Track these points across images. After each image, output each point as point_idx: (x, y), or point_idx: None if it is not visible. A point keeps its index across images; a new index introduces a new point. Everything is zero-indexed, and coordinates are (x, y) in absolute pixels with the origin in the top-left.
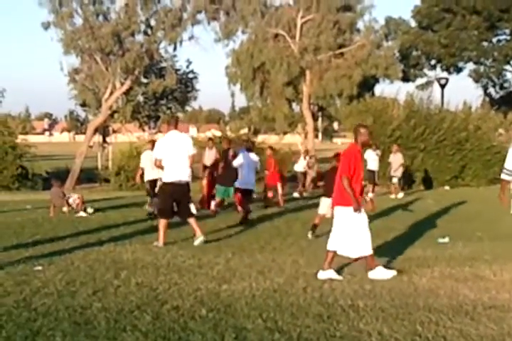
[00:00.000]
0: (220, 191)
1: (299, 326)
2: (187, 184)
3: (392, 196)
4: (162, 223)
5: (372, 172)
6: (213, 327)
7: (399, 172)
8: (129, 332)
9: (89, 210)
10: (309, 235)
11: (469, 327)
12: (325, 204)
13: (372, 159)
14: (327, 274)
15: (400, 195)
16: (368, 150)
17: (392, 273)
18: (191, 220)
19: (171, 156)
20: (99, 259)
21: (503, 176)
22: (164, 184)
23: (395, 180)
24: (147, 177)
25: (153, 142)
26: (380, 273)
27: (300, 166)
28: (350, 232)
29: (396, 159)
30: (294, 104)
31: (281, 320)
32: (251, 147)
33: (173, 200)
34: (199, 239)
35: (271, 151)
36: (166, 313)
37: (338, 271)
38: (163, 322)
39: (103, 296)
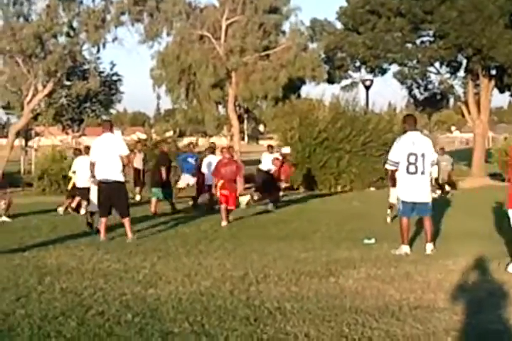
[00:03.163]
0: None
1: (225, 329)
2: (118, 183)
3: None
4: (101, 221)
5: None
6: (139, 331)
7: None
8: (54, 338)
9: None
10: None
11: (395, 327)
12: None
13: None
14: None
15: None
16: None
17: None
18: (125, 220)
19: (102, 157)
20: (22, 265)
21: (386, 166)
22: (98, 183)
23: None
24: (79, 184)
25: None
26: None
27: None
28: None
29: None
30: (220, 107)
31: (208, 323)
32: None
33: (107, 199)
34: (129, 240)
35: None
36: (90, 319)
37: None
38: (88, 327)
39: (26, 302)
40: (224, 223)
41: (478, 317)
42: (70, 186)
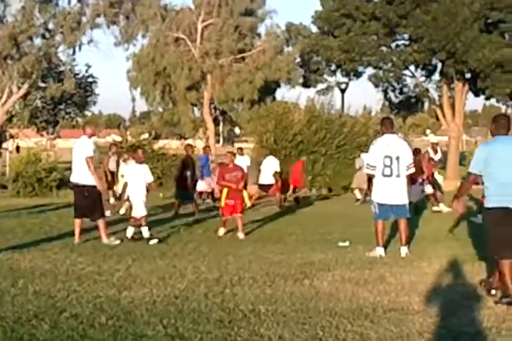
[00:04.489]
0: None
1: (200, 332)
2: (88, 187)
3: None
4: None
5: None
6: (113, 334)
7: None
8: None
9: None
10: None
11: (369, 330)
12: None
13: None
14: None
15: None
16: None
17: None
18: (98, 223)
19: (74, 160)
20: None
21: (366, 171)
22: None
23: None
24: None
25: None
26: None
27: None
28: None
29: None
30: (196, 109)
31: (182, 326)
32: None
33: (81, 201)
34: (103, 241)
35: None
36: (64, 321)
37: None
38: (62, 330)
39: None
40: (222, 231)
41: (452, 320)
42: None
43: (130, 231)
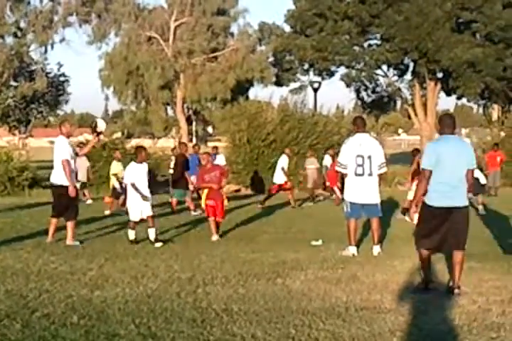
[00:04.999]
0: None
1: (172, 331)
2: (61, 187)
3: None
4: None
5: None
6: (85, 334)
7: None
8: None
9: None
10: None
11: (342, 328)
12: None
13: None
14: None
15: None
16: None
17: None
18: (69, 223)
19: (54, 160)
20: None
21: (337, 169)
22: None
23: None
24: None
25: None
26: None
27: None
28: None
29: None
30: (169, 108)
31: (154, 325)
32: None
33: (59, 201)
34: (67, 242)
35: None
36: (36, 321)
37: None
38: (34, 330)
39: None
40: (215, 237)
41: (424, 318)
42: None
43: (131, 234)
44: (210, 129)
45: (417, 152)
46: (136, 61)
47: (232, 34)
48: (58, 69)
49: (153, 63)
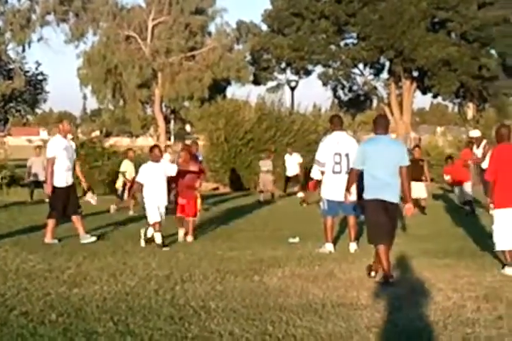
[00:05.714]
0: None
1: (150, 328)
2: (53, 188)
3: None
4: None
5: None
6: (63, 331)
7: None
8: None
9: None
10: None
11: (318, 325)
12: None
13: None
14: None
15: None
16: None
17: None
18: (49, 220)
19: None
20: None
21: (315, 167)
22: None
23: None
24: None
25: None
26: None
27: None
28: None
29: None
30: (147, 107)
31: (132, 322)
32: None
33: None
34: (45, 240)
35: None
36: (14, 319)
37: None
38: (12, 328)
39: None
40: (190, 238)
41: (399, 315)
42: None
43: (158, 237)
44: (188, 128)
45: None
46: (115, 60)
47: (209, 33)
48: (36, 68)
49: (131, 62)
